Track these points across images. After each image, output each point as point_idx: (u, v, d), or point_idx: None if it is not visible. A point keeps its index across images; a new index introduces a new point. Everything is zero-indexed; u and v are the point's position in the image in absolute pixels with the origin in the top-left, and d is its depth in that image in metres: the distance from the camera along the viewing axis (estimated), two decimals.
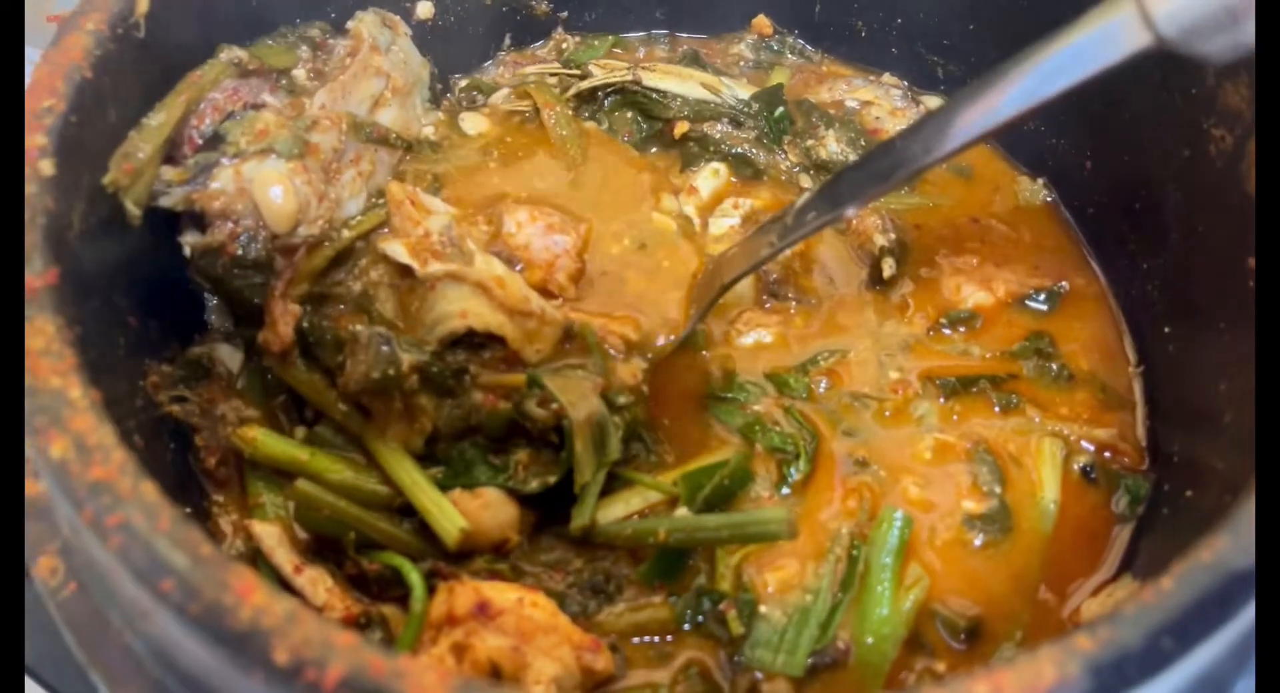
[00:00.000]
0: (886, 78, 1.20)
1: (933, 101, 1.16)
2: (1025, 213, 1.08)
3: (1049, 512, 0.88)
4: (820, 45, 1.24)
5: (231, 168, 0.85)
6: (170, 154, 0.86)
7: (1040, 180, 1.10)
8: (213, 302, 0.94)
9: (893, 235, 1.02)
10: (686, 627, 0.82)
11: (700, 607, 0.83)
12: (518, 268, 0.94)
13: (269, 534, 0.81)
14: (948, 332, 0.99)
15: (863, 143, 1.11)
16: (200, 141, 0.87)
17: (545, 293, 0.91)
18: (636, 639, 0.82)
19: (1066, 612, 0.84)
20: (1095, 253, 1.04)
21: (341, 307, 0.89)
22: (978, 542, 0.86)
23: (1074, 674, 0.52)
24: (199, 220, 0.86)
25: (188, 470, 0.86)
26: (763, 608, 0.83)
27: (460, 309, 0.84)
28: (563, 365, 0.88)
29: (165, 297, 0.87)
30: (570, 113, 1.13)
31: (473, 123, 1.13)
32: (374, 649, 0.53)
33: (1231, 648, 0.62)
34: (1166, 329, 0.94)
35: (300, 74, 0.95)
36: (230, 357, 0.92)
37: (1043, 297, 1.01)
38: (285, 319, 0.88)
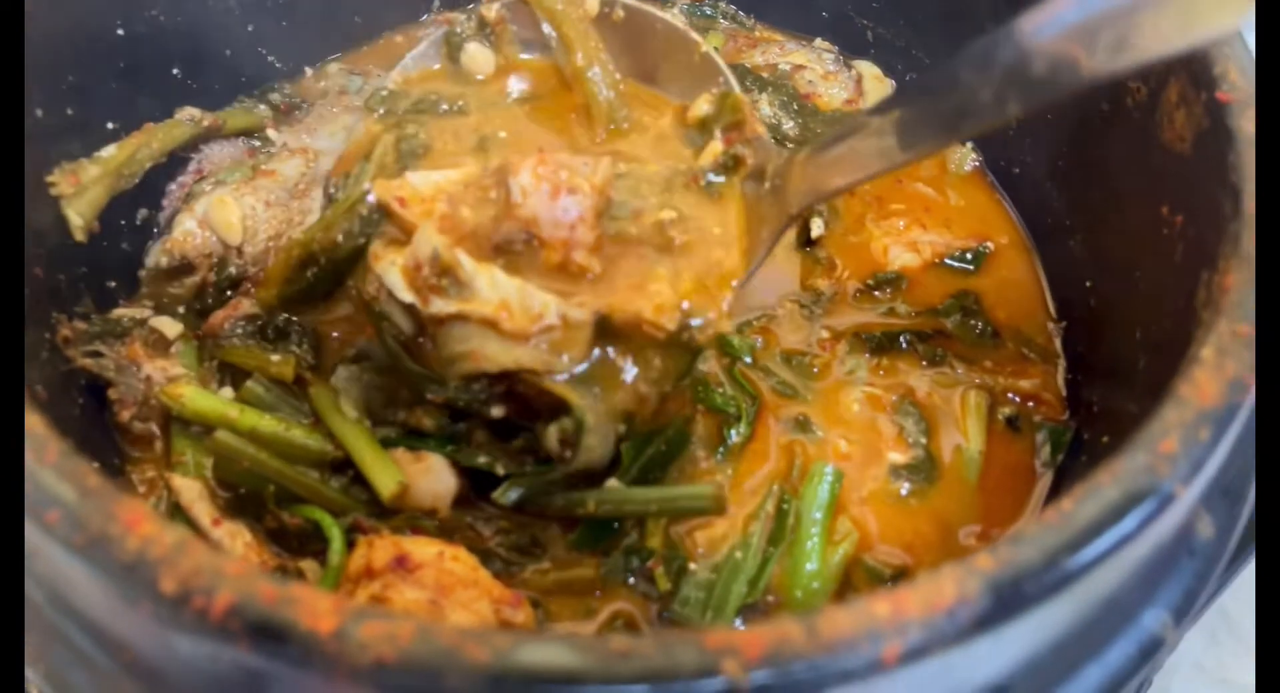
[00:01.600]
0: (818, 42, 1.21)
1: (864, 66, 1.17)
2: (952, 176, 1.09)
3: (974, 461, 0.89)
4: (752, 10, 1.24)
5: (188, 211, 0.96)
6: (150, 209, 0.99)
7: (968, 144, 1.12)
8: (151, 266, 0.95)
9: None
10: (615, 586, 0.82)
11: (628, 565, 0.82)
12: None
13: (188, 488, 0.80)
14: (876, 293, 1.00)
15: (795, 106, 1.11)
16: (178, 201, 0.99)
17: (568, 275, 0.83)
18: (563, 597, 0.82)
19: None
20: (1020, 213, 1.06)
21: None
22: (904, 491, 0.87)
23: (974, 592, 0.53)
24: (188, 267, 0.95)
25: (103, 429, 0.84)
26: (692, 566, 0.83)
27: (470, 350, 0.79)
28: (599, 368, 0.83)
29: (84, 256, 0.86)
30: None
31: (478, 60, 1.05)
32: (266, 577, 0.52)
33: (1138, 574, 0.63)
34: (1088, 283, 0.96)
35: (275, 135, 1.06)
36: (169, 326, 0.92)
37: (969, 256, 1.02)
38: (229, 312, 0.92)
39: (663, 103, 1.04)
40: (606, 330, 0.81)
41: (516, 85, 1.05)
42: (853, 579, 0.83)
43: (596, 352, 0.82)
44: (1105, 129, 0.93)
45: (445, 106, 1.01)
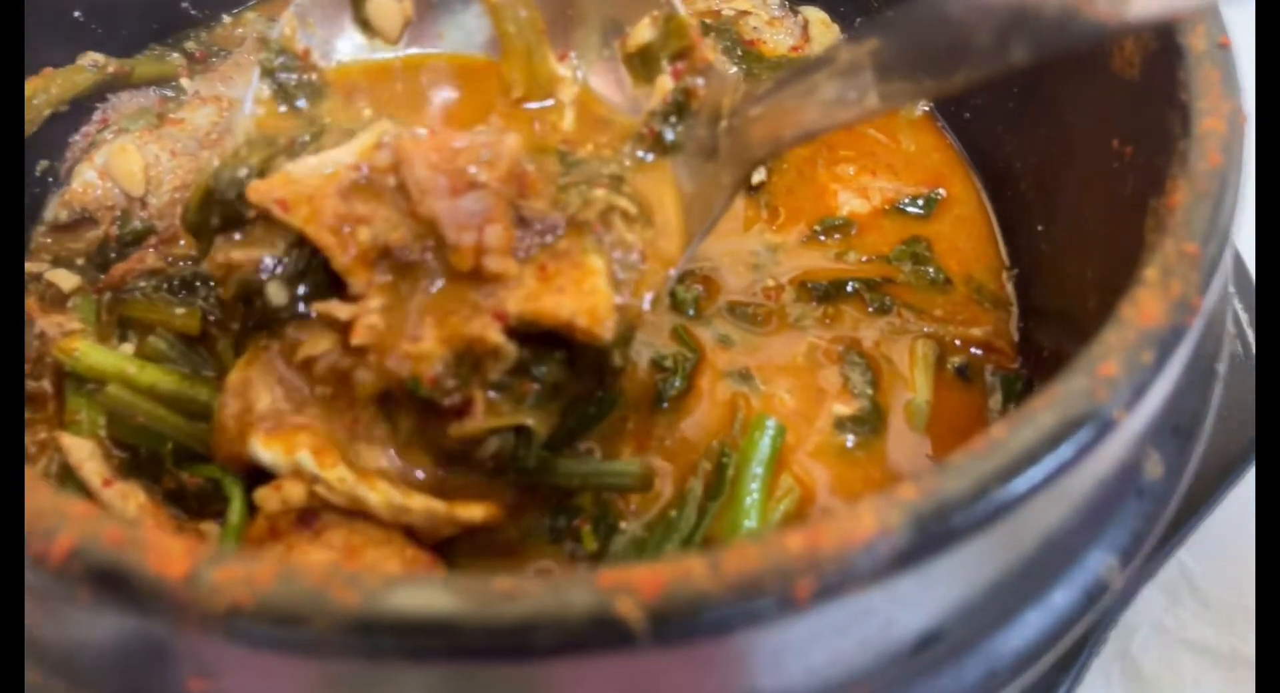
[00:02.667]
0: None
1: (811, 11, 1.12)
2: (903, 121, 1.05)
3: (921, 412, 0.85)
4: None
5: (88, 161, 0.89)
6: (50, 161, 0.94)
7: None
8: (49, 220, 0.91)
9: None
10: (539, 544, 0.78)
11: (555, 524, 0.78)
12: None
13: (78, 447, 0.75)
14: (823, 239, 0.95)
15: (740, 52, 1.07)
16: (80, 152, 0.93)
17: (481, 282, 0.72)
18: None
19: None
20: (971, 158, 1.02)
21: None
22: (849, 443, 0.83)
23: (895, 524, 0.48)
24: (89, 220, 0.89)
25: None
26: (622, 524, 0.78)
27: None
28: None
29: None
30: None
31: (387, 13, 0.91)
32: (111, 520, 0.47)
33: (1080, 513, 0.59)
34: (1039, 228, 0.92)
35: (188, 84, 0.99)
36: (65, 279, 0.87)
37: (920, 202, 0.98)
38: (132, 265, 0.86)
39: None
40: (531, 332, 0.72)
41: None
42: None
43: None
44: (1056, 66, 0.89)
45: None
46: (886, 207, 0.98)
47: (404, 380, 0.70)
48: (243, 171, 0.75)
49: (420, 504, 0.71)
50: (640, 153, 0.85)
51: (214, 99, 0.96)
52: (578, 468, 0.79)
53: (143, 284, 0.84)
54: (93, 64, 0.94)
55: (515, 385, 0.73)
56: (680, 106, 0.84)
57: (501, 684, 0.48)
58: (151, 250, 0.86)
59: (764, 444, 0.80)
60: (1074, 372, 0.55)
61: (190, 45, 1.03)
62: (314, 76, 0.89)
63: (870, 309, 0.90)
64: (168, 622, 0.46)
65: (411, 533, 0.74)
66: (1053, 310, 0.88)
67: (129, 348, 0.82)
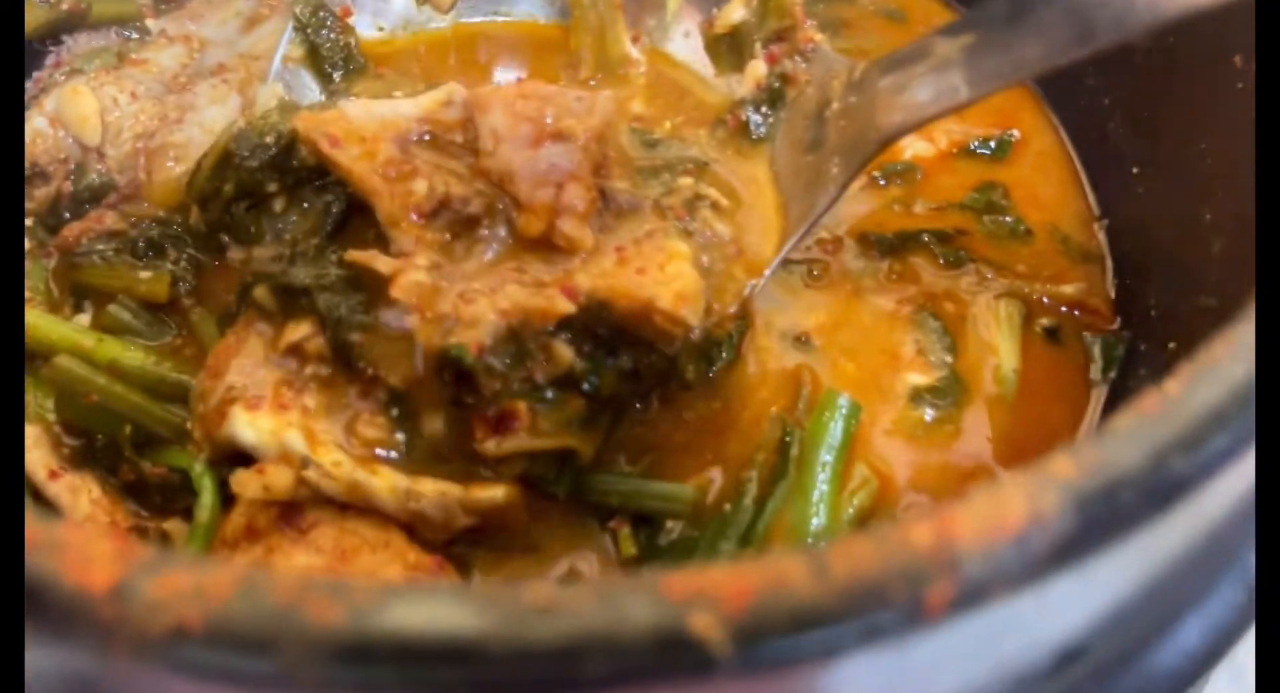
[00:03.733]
0: None
1: None
2: None
3: (1009, 382, 0.73)
4: None
5: (38, 108, 0.78)
6: None
7: None
8: None
9: None
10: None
11: (583, 526, 0.66)
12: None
13: None
14: (884, 184, 0.83)
15: None
16: (31, 98, 0.81)
17: (549, 251, 0.64)
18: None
19: None
20: (1047, 94, 0.89)
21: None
22: (928, 418, 0.71)
23: (1051, 509, 0.37)
24: (40, 175, 0.78)
25: None
26: (668, 523, 0.66)
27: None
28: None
29: None
30: None
31: None
32: (30, 516, 0.36)
33: (1249, 495, 0.48)
34: (1134, 171, 0.80)
35: (154, 24, 0.88)
36: None
37: (992, 144, 0.86)
38: (88, 225, 0.75)
39: None
40: (596, 324, 0.63)
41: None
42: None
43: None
44: None
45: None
46: (954, 149, 0.85)
47: (447, 349, 0.59)
48: (270, 137, 0.67)
49: (432, 488, 0.60)
50: (754, 111, 0.78)
51: (183, 38, 0.84)
52: (616, 486, 0.67)
53: (101, 247, 0.73)
54: (45, 0, 0.82)
55: (561, 401, 0.62)
56: (775, 95, 0.77)
57: None
58: (111, 209, 0.74)
59: (835, 427, 0.68)
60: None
61: None
62: (352, 42, 0.80)
63: (943, 264, 0.78)
64: (91, 649, 0.34)
65: (414, 533, 0.62)
66: (1158, 262, 0.76)
67: (85, 319, 0.71)
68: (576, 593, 0.35)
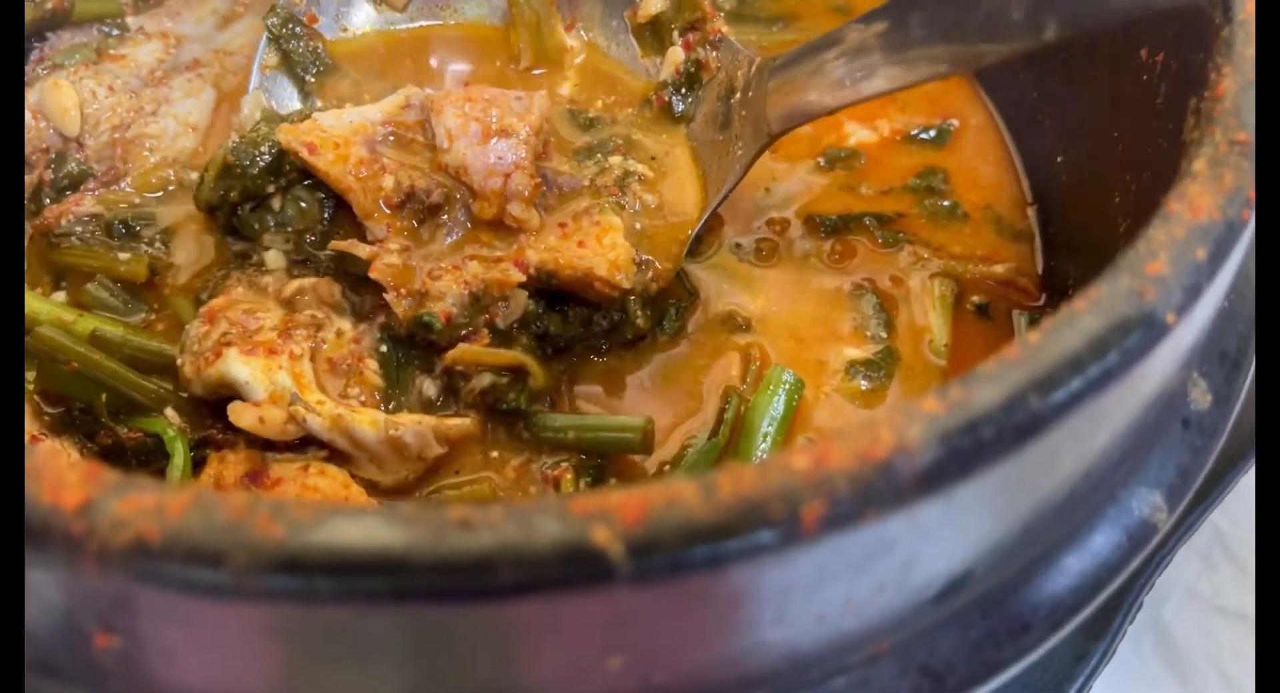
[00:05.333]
0: None
1: None
2: None
3: (940, 355, 0.78)
4: None
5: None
6: None
7: None
8: None
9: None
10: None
11: (537, 469, 0.71)
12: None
13: None
14: (830, 169, 0.88)
15: None
16: None
17: (503, 230, 0.75)
18: None
19: None
20: (985, 86, 0.95)
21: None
22: (863, 388, 0.76)
23: (917, 440, 0.41)
24: (25, 162, 0.82)
25: None
26: (612, 480, 0.72)
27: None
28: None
29: None
30: None
31: None
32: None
33: (1124, 440, 0.52)
34: (1059, 159, 0.85)
35: (133, 22, 0.92)
36: None
37: (932, 133, 0.91)
38: (67, 207, 0.80)
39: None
40: (546, 286, 0.73)
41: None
42: None
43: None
44: None
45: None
46: (897, 137, 0.91)
47: (419, 317, 0.70)
48: (265, 147, 0.75)
49: (409, 419, 0.67)
50: (675, 92, 0.86)
51: (160, 35, 0.89)
52: (572, 422, 0.72)
53: (79, 229, 0.78)
54: None
55: (517, 335, 0.72)
56: (692, 78, 0.85)
57: (457, 629, 0.41)
58: (89, 194, 0.79)
59: (778, 401, 0.73)
60: (1118, 271, 0.48)
61: None
62: (319, 45, 0.87)
63: (882, 244, 0.84)
64: (63, 563, 0.39)
65: (374, 488, 0.67)
66: (1077, 242, 0.81)
67: (61, 297, 0.76)
68: (492, 511, 0.39)
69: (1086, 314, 0.45)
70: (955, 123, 0.92)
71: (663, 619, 0.42)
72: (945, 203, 0.87)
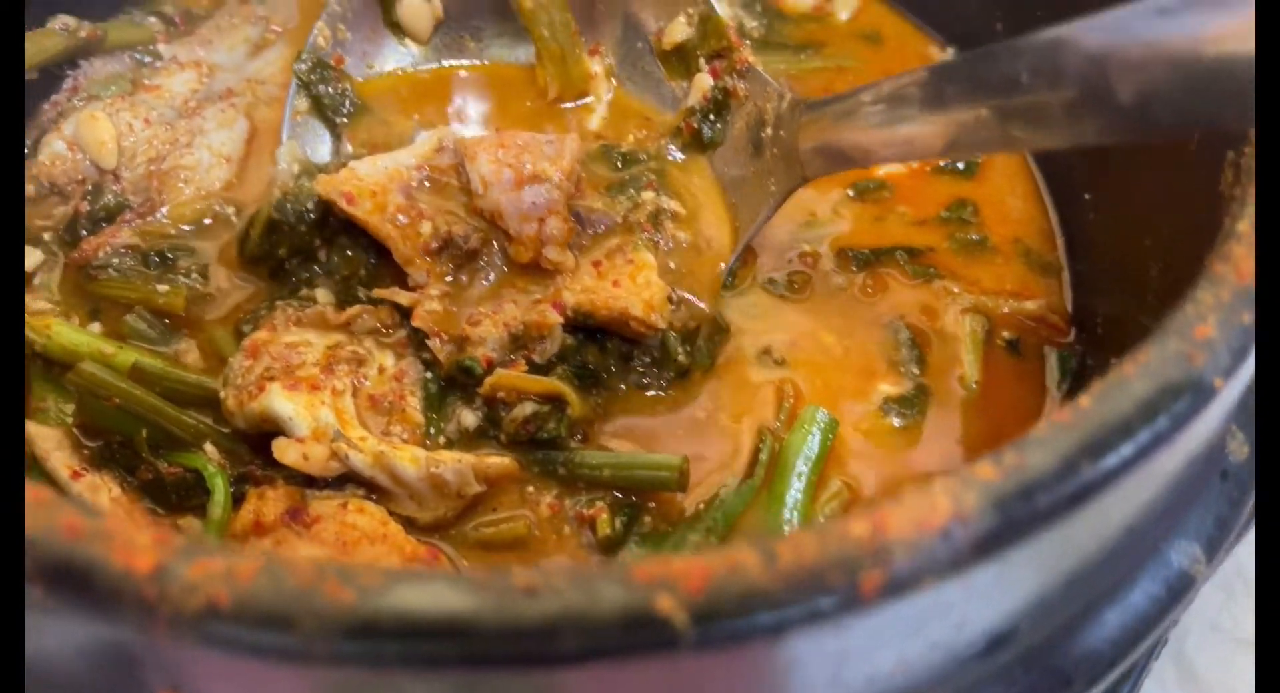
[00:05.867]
0: None
1: None
2: None
3: (972, 391, 0.78)
4: None
5: (56, 131, 0.83)
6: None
7: (949, 50, 1.01)
8: None
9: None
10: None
11: (568, 512, 0.71)
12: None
13: (45, 436, 0.68)
14: (858, 199, 0.89)
15: (759, 7, 1.01)
16: (49, 122, 0.85)
17: (539, 273, 0.76)
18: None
19: None
20: None
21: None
22: (895, 425, 0.76)
23: (973, 507, 0.42)
24: (58, 195, 0.83)
25: None
26: (646, 519, 0.71)
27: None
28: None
29: None
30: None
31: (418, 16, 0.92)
32: (72, 508, 0.41)
33: (1166, 496, 0.53)
34: (1087, 196, 0.85)
35: (166, 50, 0.93)
36: (29, 256, 0.80)
37: (961, 164, 0.91)
38: (105, 239, 0.80)
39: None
40: (584, 323, 0.75)
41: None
42: None
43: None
44: (1101, 23, 0.83)
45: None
46: (926, 168, 0.91)
47: (461, 362, 0.72)
48: (310, 203, 0.76)
49: (450, 456, 0.68)
50: (678, 149, 0.87)
51: (193, 64, 0.89)
52: (608, 460, 0.72)
53: (116, 261, 0.78)
54: (63, 27, 0.87)
55: (554, 367, 0.74)
56: (719, 105, 0.85)
57: None
58: (126, 225, 0.79)
59: (813, 440, 0.73)
60: (1166, 334, 0.48)
61: (168, 8, 0.96)
62: (348, 87, 0.88)
63: (913, 278, 0.84)
64: (134, 625, 0.39)
65: (411, 525, 0.68)
66: (1107, 281, 0.81)
67: (97, 329, 0.76)
68: (556, 577, 0.40)
69: (1136, 379, 0.46)
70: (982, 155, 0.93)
71: (721, 683, 0.42)
72: (975, 236, 0.87)
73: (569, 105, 0.90)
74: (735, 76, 0.85)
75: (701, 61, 0.87)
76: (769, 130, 0.81)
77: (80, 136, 0.81)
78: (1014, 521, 0.42)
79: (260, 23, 0.94)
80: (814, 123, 0.76)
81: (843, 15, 1.02)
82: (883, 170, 0.90)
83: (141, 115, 0.83)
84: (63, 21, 0.88)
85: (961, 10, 0.99)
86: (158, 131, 0.82)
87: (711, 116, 0.86)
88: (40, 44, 0.85)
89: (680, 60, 0.89)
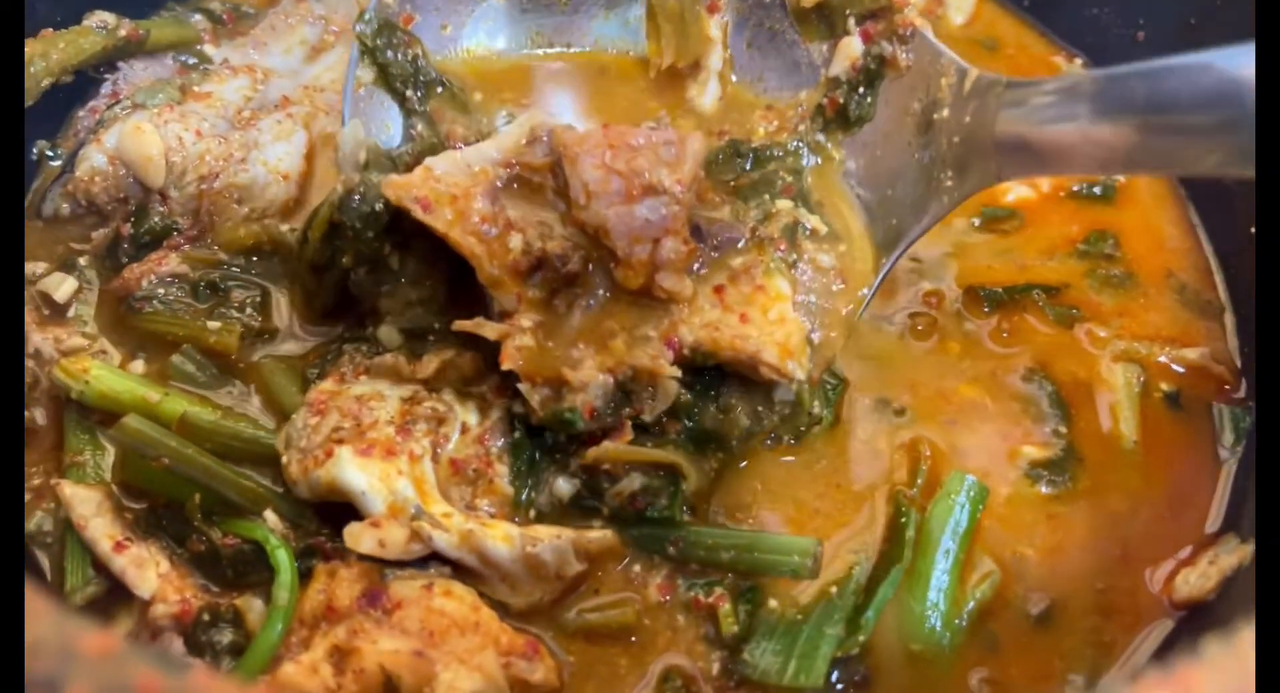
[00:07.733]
0: None
1: None
2: None
3: (1128, 453, 0.68)
4: None
5: (96, 143, 0.73)
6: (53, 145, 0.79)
7: (1077, 61, 0.91)
8: (47, 213, 0.75)
9: None
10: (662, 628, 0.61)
11: (681, 596, 0.62)
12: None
13: (83, 500, 0.59)
14: (984, 228, 0.79)
15: None
16: (86, 131, 0.76)
17: (648, 301, 0.62)
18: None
19: (1157, 582, 0.64)
20: None
21: None
22: (1044, 493, 0.66)
23: None
24: (97, 215, 0.74)
25: None
26: (771, 601, 0.62)
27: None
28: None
29: None
30: None
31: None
32: (147, 659, 0.31)
33: None
34: (1250, 229, 0.75)
35: (213, 51, 0.83)
36: (58, 284, 0.71)
37: (1098, 188, 0.81)
38: (149, 267, 0.70)
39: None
40: (703, 363, 0.62)
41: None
42: (988, 622, 0.63)
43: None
44: None
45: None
46: (1059, 192, 0.80)
47: (559, 413, 0.60)
48: (379, 205, 0.63)
49: (547, 533, 0.58)
50: (817, 133, 0.72)
51: (246, 69, 0.79)
52: (728, 540, 0.62)
53: (161, 292, 0.68)
54: (101, 25, 0.78)
55: (663, 425, 0.62)
56: (872, 76, 0.70)
57: None
58: (173, 251, 0.70)
59: (961, 512, 0.63)
60: None
61: (215, 5, 0.86)
62: (419, 53, 0.74)
63: (1053, 321, 0.73)
64: None
65: (506, 612, 0.58)
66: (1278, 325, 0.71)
67: (139, 367, 0.67)
68: None
69: None
70: (1120, 177, 0.82)
71: None
72: (1117, 271, 0.77)
73: (674, 116, 0.76)
74: (895, 42, 0.70)
75: (851, 22, 0.72)
76: (944, 112, 0.66)
77: (124, 150, 0.71)
78: None
79: (318, 22, 0.84)
80: (1017, 109, 0.61)
81: (957, 19, 0.92)
82: (1011, 195, 0.80)
83: (192, 127, 0.73)
84: (100, 18, 0.78)
85: (1094, 17, 0.89)
86: (210, 145, 0.72)
87: (860, 90, 0.71)
88: (76, 44, 0.75)
89: (823, 19, 0.74)
